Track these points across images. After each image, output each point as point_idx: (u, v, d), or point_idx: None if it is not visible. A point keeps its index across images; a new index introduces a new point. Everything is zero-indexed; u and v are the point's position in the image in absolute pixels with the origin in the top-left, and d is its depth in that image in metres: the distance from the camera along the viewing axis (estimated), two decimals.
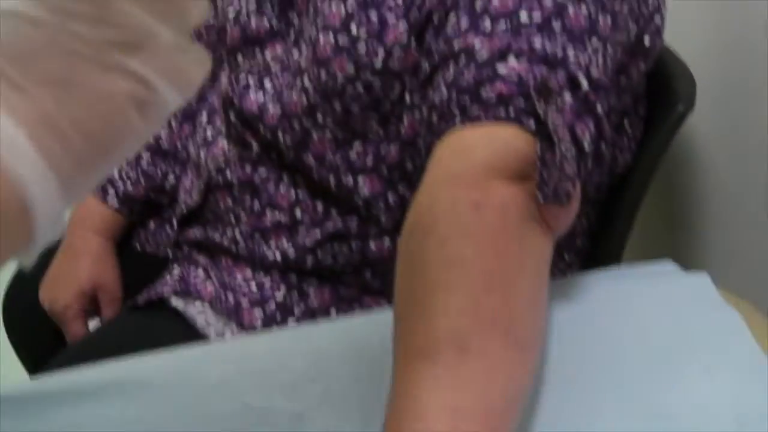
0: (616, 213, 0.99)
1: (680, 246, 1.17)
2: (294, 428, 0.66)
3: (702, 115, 1.04)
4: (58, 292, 1.10)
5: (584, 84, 0.73)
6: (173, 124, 1.15)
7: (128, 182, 1.13)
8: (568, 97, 0.72)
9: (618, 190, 0.98)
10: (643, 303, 0.78)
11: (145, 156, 1.13)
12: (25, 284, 1.16)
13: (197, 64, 0.44)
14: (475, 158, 0.71)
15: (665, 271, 0.82)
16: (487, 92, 0.72)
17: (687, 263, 0.85)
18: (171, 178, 1.14)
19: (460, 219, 0.68)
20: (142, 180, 1.13)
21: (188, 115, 1.15)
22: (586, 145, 0.73)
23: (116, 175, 1.12)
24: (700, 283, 0.80)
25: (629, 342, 0.74)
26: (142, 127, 0.43)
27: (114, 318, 1.09)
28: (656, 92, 0.99)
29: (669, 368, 0.72)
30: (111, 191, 1.12)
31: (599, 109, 0.75)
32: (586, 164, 0.74)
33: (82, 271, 1.11)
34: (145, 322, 0.99)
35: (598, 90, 0.76)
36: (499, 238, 0.67)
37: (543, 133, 0.71)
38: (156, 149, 1.13)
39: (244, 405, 0.68)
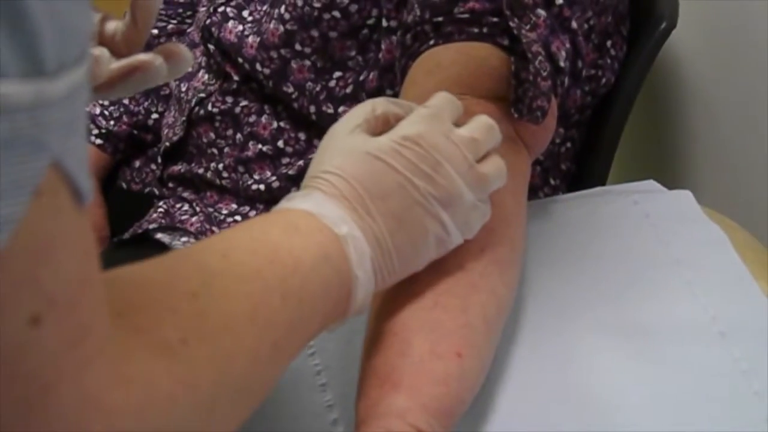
0: (600, 134, 0.98)
1: (665, 166, 1.16)
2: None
3: (686, 34, 1.02)
4: None
5: None
6: None
7: (111, 120, 1.12)
8: (542, 12, 0.71)
9: (602, 112, 0.97)
10: (624, 221, 0.77)
11: None
12: None
13: (481, 217, 0.61)
14: (447, 75, 0.70)
15: (648, 189, 0.82)
16: (460, 9, 0.71)
17: (672, 183, 0.85)
18: (154, 114, 1.13)
19: None
20: (124, 117, 1.12)
21: None
22: (562, 61, 0.72)
23: (98, 113, 1.12)
24: (682, 200, 0.80)
25: (609, 259, 0.74)
26: (433, 258, 0.59)
27: (100, 253, 1.08)
28: (639, 11, 0.98)
29: (650, 284, 0.72)
30: (94, 129, 1.12)
31: (574, 24, 0.74)
32: (563, 81, 0.74)
33: None
34: (131, 256, 0.97)
35: (573, 5, 0.74)
36: None
37: (517, 50, 0.70)
38: None
39: None
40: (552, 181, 0.97)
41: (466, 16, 0.71)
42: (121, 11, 0.60)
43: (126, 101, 1.12)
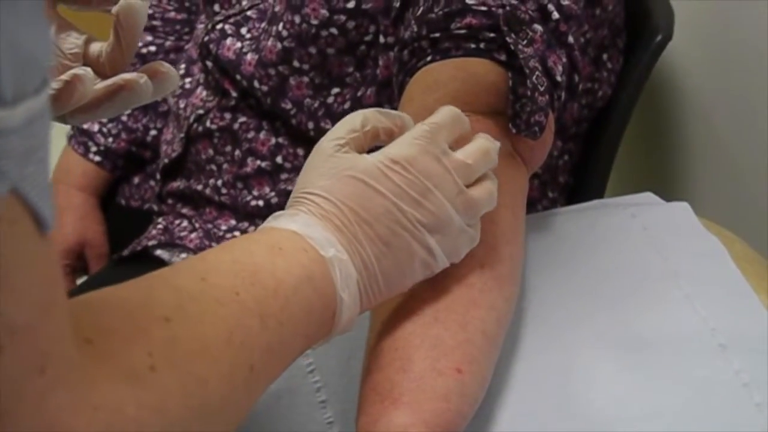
0: (598, 147, 0.98)
1: (663, 178, 1.17)
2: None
3: (682, 45, 1.03)
4: None
5: (554, 14, 0.73)
6: None
7: (109, 137, 1.12)
8: (538, 27, 0.71)
9: (599, 125, 0.98)
10: (622, 234, 0.77)
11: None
12: None
13: (468, 242, 0.60)
14: (445, 92, 0.70)
15: (646, 202, 0.82)
16: (457, 25, 0.71)
17: (670, 195, 0.85)
18: (152, 131, 1.13)
19: None
20: (122, 134, 1.12)
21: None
22: (558, 75, 0.72)
23: (96, 130, 1.12)
24: (680, 212, 0.80)
25: (608, 272, 0.74)
26: (418, 281, 0.59)
27: (99, 271, 1.09)
28: (635, 24, 0.98)
29: (649, 297, 0.72)
30: (92, 146, 1.12)
31: (571, 39, 0.74)
32: (559, 95, 0.74)
33: (67, 227, 1.11)
34: (130, 273, 0.97)
35: (569, 20, 0.75)
36: None
37: (515, 66, 0.70)
38: None
39: None
40: (550, 194, 0.97)
41: (463, 32, 0.71)
42: (106, 32, 0.60)
43: (124, 118, 1.13)
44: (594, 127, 0.98)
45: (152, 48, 1.14)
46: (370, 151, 0.59)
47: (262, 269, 0.51)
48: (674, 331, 0.70)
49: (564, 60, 0.74)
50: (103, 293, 0.44)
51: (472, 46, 0.71)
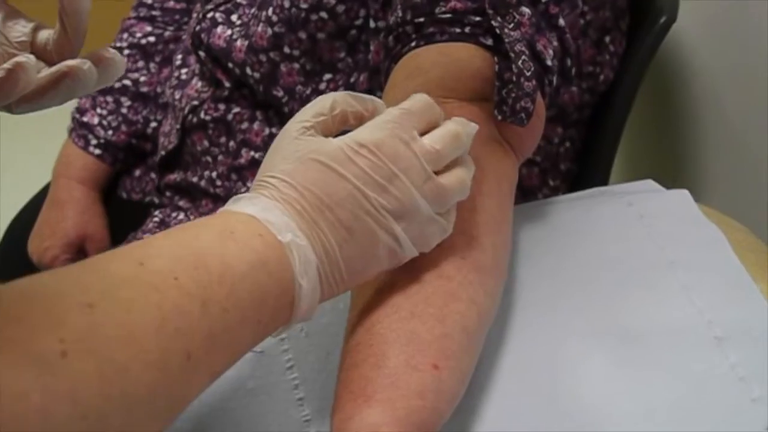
0: (601, 133, 0.95)
1: (668, 164, 1.13)
2: (252, 366, 0.65)
3: (687, 27, 0.99)
4: (46, 244, 1.10)
5: None
6: (152, 67, 1.13)
7: (109, 129, 1.11)
8: (526, 10, 0.69)
9: (602, 110, 0.95)
10: (617, 222, 0.75)
11: (125, 101, 1.11)
12: (18, 238, 1.15)
13: (439, 232, 0.58)
14: (428, 78, 0.68)
15: (645, 189, 0.79)
16: (441, 9, 0.69)
17: (675, 181, 0.82)
18: (153, 123, 1.12)
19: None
20: (122, 126, 1.11)
21: (167, 58, 1.13)
22: (549, 59, 0.70)
23: (96, 123, 1.11)
24: (679, 199, 0.77)
25: (601, 262, 0.72)
26: (384, 270, 0.57)
27: None
28: (639, 5, 0.95)
29: (643, 287, 0.70)
30: (92, 139, 1.11)
31: (561, 21, 0.71)
32: (551, 80, 0.71)
33: (68, 221, 1.10)
34: None
35: (561, 2, 0.72)
36: None
37: (502, 51, 0.68)
38: (136, 94, 1.12)
39: None
40: (551, 182, 0.94)
41: (447, 16, 0.69)
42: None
43: (124, 110, 1.11)
44: (597, 113, 0.95)
45: (151, 39, 1.13)
46: (341, 134, 0.57)
47: (208, 253, 0.49)
48: (668, 323, 0.67)
49: (555, 43, 0.71)
50: (24, 282, 0.43)
51: (457, 30, 0.69)
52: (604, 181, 0.97)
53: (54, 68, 0.52)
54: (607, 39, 0.92)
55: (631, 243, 0.73)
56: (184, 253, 0.49)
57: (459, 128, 0.59)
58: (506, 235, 0.66)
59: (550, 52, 0.70)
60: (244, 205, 0.54)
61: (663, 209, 0.75)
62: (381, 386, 0.56)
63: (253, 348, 0.52)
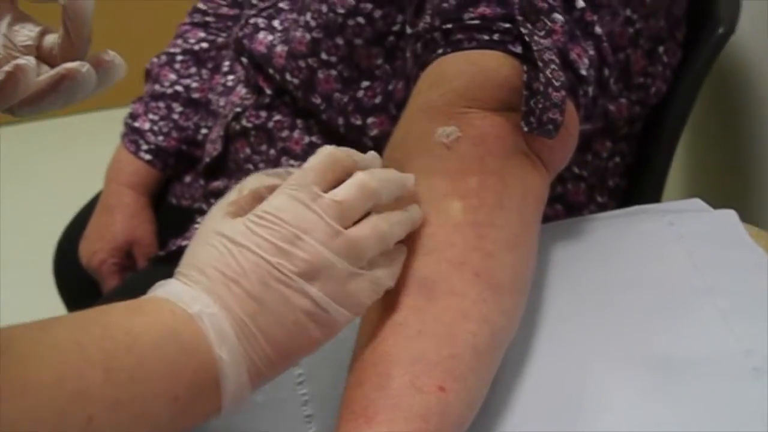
0: (653, 148, 0.91)
1: (723, 182, 1.08)
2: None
3: (746, 39, 0.94)
4: (94, 248, 1.10)
5: (579, 2, 0.67)
6: (204, 74, 1.13)
7: (160, 135, 1.11)
8: (559, 17, 0.66)
9: (654, 124, 0.91)
10: (655, 243, 0.71)
11: (177, 107, 1.12)
12: (74, 242, 1.16)
13: (370, 287, 0.55)
14: (452, 87, 0.65)
15: (690, 209, 0.75)
16: (470, 15, 0.67)
17: (730, 201, 0.78)
18: (203, 129, 1.12)
19: (432, 153, 0.63)
20: (173, 132, 1.11)
21: (219, 65, 1.13)
22: (584, 69, 0.67)
23: (147, 128, 1.11)
24: (724, 220, 0.73)
25: (635, 285, 0.68)
26: (318, 337, 0.54)
27: (139, 270, 1.08)
28: (697, 16, 0.91)
29: (677, 313, 0.66)
30: (143, 144, 1.11)
31: (598, 29, 0.68)
32: (585, 91, 0.68)
33: (117, 225, 1.10)
34: (167, 273, 0.97)
35: (599, 9, 0.69)
36: (473, 172, 0.62)
37: (531, 58, 0.65)
38: (187, 100, 1.12)
39: None
40: (599, 199, 0.91)
41: (476, 22, 0.67)
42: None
43: (175, 116, 1.11)
44: (649, 127, 0.91)
45: (204, 45, 1.13)
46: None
47: (115, 326, 0.49)
48: (703, 352, 0.63)
49: (591, 52, 0.68)
50: None
51: (485, 37, 0.66)
52: (655, 199, 0.93)
53: (53, 71, 0.52)
54: (661, 49, 0.88)
55: (668, 265, 0.69)
56: (89, 325, 0.48)
57: (366, 178, 0.56)
58: (528, 252, 0.63)
59: (585, 61, 0.67)
60: (153, 290, 0.54)
61: (706, 230, 0.71)
62: (383, 408, 0.54)
63: (175, 426, 0.50)
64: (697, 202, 0.76)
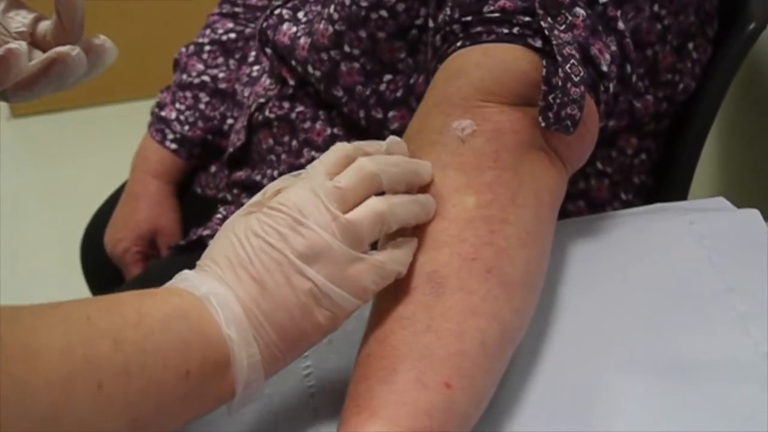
0: (680, 145, 0.89)
1: (752, 180, 1.06)
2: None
3: None
4: (118, 236, 1.11)
5: None
6: (232, 64, 1.13)
7: (186, 125, 1.11)
8: (581, 11, 0.65)
9: (682, 120, 0.89)
10: (674, 242, 0.70)
11: (204, 97, 1.12)
12: (100, 230, 1.17)
13: (372, 270, 0.55)
14: (469, 81, 0.64)
15: (712, 207, 0.74)
16: (490, 8, 0.66)
17: (760, 199, 0.76)
18: (229, 119, 1.12)
19: (447, 147, 0.62)
20: (199, 122, 1.11)
21: (246, 56, 1.12)
22: (605, 65, 0.66)
23: (174, 117, 1.11)
24: (748, 220, 0.71)
25: (652, 285, 0.67)
26: (322, 323, 0.54)
27: (159, 260, 1.08)
28: (729, 11, 0.89)
29: (694, 315, 0.65)
30: (169, 134, 1.11)
31: (621, 25, 0.67)
32: (606, 87, 0.67)
33: (141, 214, 1.11)
34: (187, 263, 0.97)
35: (623, 4, 0.68)
36: (488, 166, 0.61)
37: (551, 53, 0.64)
38: (214, 90, 1.12)
39: None
40: (623, 196, 0.89)
41: (496, 15, 0.66)
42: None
43: (202, 106, 1.12)
44: (677, 124, 0.90)
45: (232, 35, 1.13)
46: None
47: (124, 304, 0.50)
48: (719, 355, 0.62)
49: (613, 48, 0.67)
50: None
51: (505, 30, 0.65)
52: (682, 196, 0.91)
53: (44, 55, 0.53)
54: (691, 45, 0.86)
55: (687, 265, 0.68)
56: (99, 302, 0.49)
57: (364, 161, 0.57)
58: (541, 250, 0.62)
59: (607, 56, 0.66)
60: (169, 282, 0.55)
61: (727, 230, 0.70)
62: (387, 402, 0.53)
63: (189, 407, 0.51)
64: (721, 201, 0.75)
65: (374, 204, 0.56)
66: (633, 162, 0.89)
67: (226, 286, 0.53)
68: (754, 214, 0.71)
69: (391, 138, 0.62)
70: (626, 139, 0.87)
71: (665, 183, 0.91)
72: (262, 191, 0.58)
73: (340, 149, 0.58)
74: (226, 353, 0.52)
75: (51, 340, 0.45)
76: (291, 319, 0.53)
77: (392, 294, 0.58)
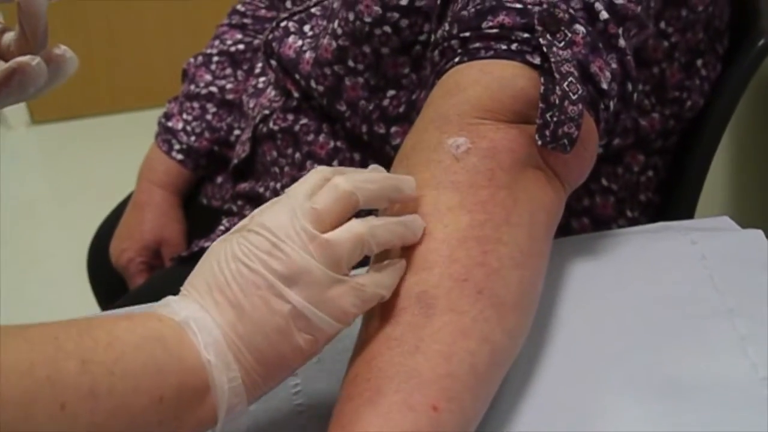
0: (687, 163, 0.88)
1: (760, 199, 1.04)
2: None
3: None
4: (123, 246, 1.11)
5: (603, 13, 0.65)
6: (239, 75, 1.12)
7: (192, 135, 1.11)
8: (581, 28, 0.64)
9: (690, 138, 0.88)
10: (675, 261, 0.69)
11: (211, 108, 1.11)
12: (107, 239, 1.17)
13: (353, 293, 0.54)
14: (465, 97, 0.64)
15: (715, 227, 0.72)
16: (488, 24, 0.65)
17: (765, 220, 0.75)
18: (236, 130, 1.12)
19: (441, 165, 0.62)
20: (206, 133, 1.11)
21: (253, 67, 1.12)
22: (605, 82, 0.65)
23: (180, 128, 1.11)
24: (751, 241, 0.70)
25: (650, 305, 0.66)
26: (302, 347, 0.53)
27: (162, 270, 1.08)
28: (739, 27, 0.88)
29: (693, 337, 0.63)
30: (175, 144, 1.11)
31: (622, 42, 0.66)
32: (607, 105, 0.66)
33: (146, 224, 1.10)
34: (188, 275, 0.97)
35: (624, 21, 0.66)
36: (482, 185, 0.60)
37: (549, 70, 0.63)
38: (221, 101, 1.11)
39: None
40: (629, 213, 0.88)
41: (494, 31, 0.65)
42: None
43: (209, 117, 1.11)
44: (685, 141, 0.88)
45: (240, 46, 1.13)
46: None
47: (97, 326, 0.49)
48: (717, 377, 0.61)
49: (614, 66, 0.66)
50: None
51: (503, 47, 0.64)
52: (689, 214, 0.90)
53: (5, 66, 0.53)
54: (699, 62, 0.85)
55: (687, 285, 0.66)
56: (70, 325, 0.49)
57: (338, 179, 0.56)
58: (536, 270, 0.61)
59: (607, 74, 0.65)
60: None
61: (730, 250, 0.69)
62: (371, 425, 0.52)
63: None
64: (725, 220, 0.74)
65: (353, 226, 0.55)
66: (639, 179, 0.88)
67: (205, 311, 0.52)
68: (758, 234, 0.70)
69: (372, 166, 0.61)
70: (633, 156, 0.86)
71: (672, 200, 0.89)
72: (250, 216, 0.57)
73: (319, 171, 0.58)
74: (205, 378, 0.51)
75: (14, 360, 0.44)
76: (269, 343, 0.52)
77: (381, 314, 0.57)
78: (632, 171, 0.87)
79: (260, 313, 0.52)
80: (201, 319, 0.52)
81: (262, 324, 0.52)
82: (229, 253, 0.54)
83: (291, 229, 0.53)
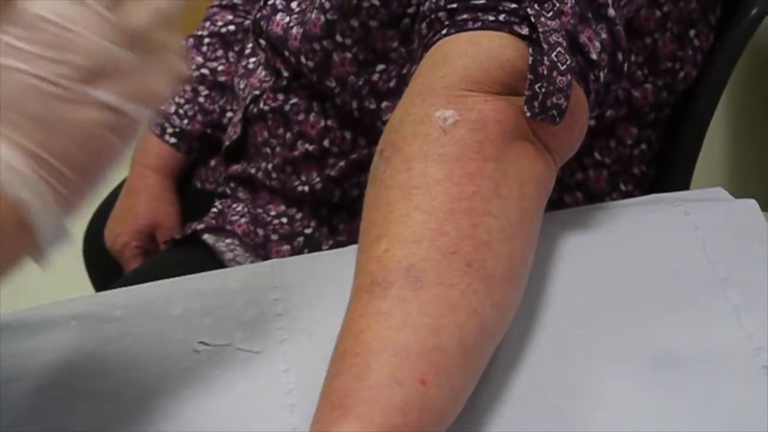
0: (681, 135, 0.87)
1: (754, 170, 1.03)
2: (247, 367, 0.62)
3: None
4: (117, 231, 1.10)
5: None
6: (231, 57, 1.11)
7: (185, 118, 1.10)
8: None
9: (683, 109, 0.87)
10: (667, 233, 0.68)
11: (203, 90, 1.11)
12: (102, 224, 1.16)
13: (163, 72, 0.49)
14: (452, 69, 0.63)
15: (709, 198, 0.72)
16: None
17: (762, 189, 0.74)
18: (229, 113, 1.11)
19: (429, 137, 0.61)
20: (198, 116, 1.10)
21: (244, 48, 1.11)
22: (594, 53, 0.64)
23: (173, 111, 1.10)
24: (744, 211, 0.69)
25: (642, 277, 0.65)
26: (120, 145, 0.49)
27: (156, 253, 1.07)
28: None
29: (685, 307, 0.63)
30: (168, 128, 1.10)
31: (611, 12, 0.65)
32: (597, 75, 0.65)
33: (139, 209, 1.10)
34: (180, 257, 0.97)
35: None
36: (470, 157, 0.60)
37: (537, 41, 0.62)
38: (213, 83, 1.11)
39: (198, 343, 0.64)
40: (623, 187, 0.87)
41: (482, 2, 0.64)
42: None
43: (201, 99, 1.10)
44: (678, 113, 0.88)
45: (231, 27, 1.12)
46: None
47: None
48: (710, 348, 0.60)
49: (604, 36, 0.65)
50: None
51: (491, 18, 0.64)
52: (684, 187, 0.90)
53: None
54: (692, 33, 0.84)
55: (680, 256, 0.66)
56: None
57: None
58: (526, 243, 0.60)
59: (597, 44, 0.64)
60: None
61: (723, 221, 0.68)
62: (360, 399, 0.52)
63: None
64: (719, 191, 0.73)
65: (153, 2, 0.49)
66: (632, 152, 0.87)
67: (3, 142, 0.45)
68: (752, 204, 0.69)
69: None
70: (625, 129, 0.86)
71: (666, 173, 0.89)
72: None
73: None
74: (19, 215, 0.46)
75: None
76: (86, 150, 0.47)
77: (369, 289, 0.56)
78: (625, 144, 0.86)
79: (71, 123, 0.46)
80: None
81: (77, 134, 0.47)
82: (5, 61, 0.45)
83: (84, 18, 0.47)
